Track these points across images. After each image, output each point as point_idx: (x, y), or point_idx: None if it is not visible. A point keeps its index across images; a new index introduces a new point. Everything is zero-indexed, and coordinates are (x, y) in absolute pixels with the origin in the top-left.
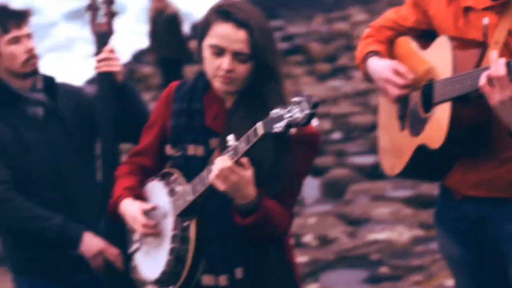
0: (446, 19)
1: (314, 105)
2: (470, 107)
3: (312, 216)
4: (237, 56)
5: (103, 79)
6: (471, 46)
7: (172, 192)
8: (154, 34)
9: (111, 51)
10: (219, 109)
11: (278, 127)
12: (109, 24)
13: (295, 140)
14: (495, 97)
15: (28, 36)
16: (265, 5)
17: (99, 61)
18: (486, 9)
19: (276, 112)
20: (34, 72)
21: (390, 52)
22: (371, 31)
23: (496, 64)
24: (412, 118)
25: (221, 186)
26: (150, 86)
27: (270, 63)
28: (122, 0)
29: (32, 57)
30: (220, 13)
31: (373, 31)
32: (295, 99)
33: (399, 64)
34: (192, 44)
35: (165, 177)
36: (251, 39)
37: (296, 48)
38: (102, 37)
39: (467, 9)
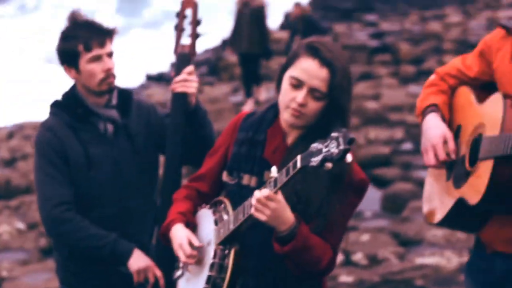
0: (506, 74)
1: (349, 141)
2: (510, 166)
3: (367, 232)
4: (313, 92)
5: (177, 99)
6: None
7: (218, 221)
8: (236, 27)
9: (190, 73)
10: (280, 143)
11: (315, 161)
12: (192, 46)
13: (346, 183)
14: None
15: (109, 54)
16: None
17: (177, 82)
18: None
19: (315, 146)
20: (110, 90)
21: (450, 101)
22: (435, 78)
23: None
24: (457, 170)
25: (260, 216)
26: (233, 76)
27: (343, 105)
28: None
29: (109, 76)
30: (309, 49)
31: (437, 79)
32: (333, 134)
33: (451, 138)
34: (280, 34)
35: (215, 205)
36: (331, 79)
37: (385, 47)
38: (184, 58)
39: None
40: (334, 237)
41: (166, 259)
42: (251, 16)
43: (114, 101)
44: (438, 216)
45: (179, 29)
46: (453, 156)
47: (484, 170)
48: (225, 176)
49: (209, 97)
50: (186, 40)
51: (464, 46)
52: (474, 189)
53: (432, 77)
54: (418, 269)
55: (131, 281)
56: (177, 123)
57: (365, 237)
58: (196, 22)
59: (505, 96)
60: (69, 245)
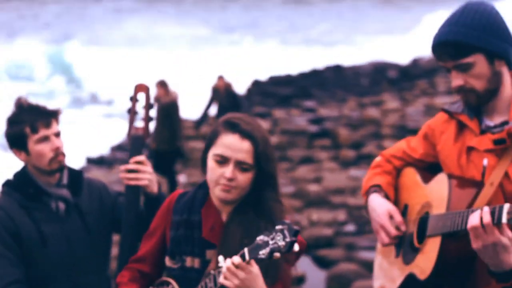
0: (450, 155)
1: (295, 233)
2: (458, 242)
3: None
4: (240, 165)
5: (130, 191)
6: (468, 185)
7: None
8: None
9: (141, 162)
10: (215, 220)
11: (263, 254)
12: (146, 128)
13: None
14: (478, 241)
15: (56, 134)
16: (299, 84)
17: (128, 171)
18: (487, 151)
19: (261, 239)
20: (61, 168)
21: (396, 181)
22: (381, 160)
23: (478, 214)
24: (406, 247)
25: (228, 284)
26: None
27: (271, 172)
28: None
29: (58, 154)
30: (227, 125)
31: (383, 160)
32: (278, 226)
33: (395, 211)
34: None
35: (161, 285)
36: (255, 149)
37: (325, 132)
38: (138, 140)
39: (470, 149)
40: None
41: None
42: (162, 112)
43: (65, 180)
44: None
45: (132, 112)
46: (402, 228)
47: (432, 246)
48: (167, 261)
49: None
50: (138, 123)
51: (402, 131)
52: (423, 265)
53: (378, 159)
54: None
55: None
56: (130, 214)
57: None
58: (148, 106)
59: (450, 176)
60: None
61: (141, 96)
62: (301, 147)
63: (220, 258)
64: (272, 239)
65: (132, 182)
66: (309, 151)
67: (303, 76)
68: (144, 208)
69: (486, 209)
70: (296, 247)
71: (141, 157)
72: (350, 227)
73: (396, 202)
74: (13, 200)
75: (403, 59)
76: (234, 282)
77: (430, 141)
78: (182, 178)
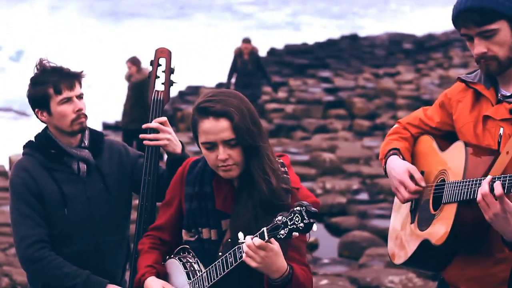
0: (466, 124)
1: (313, 215)
2: (474, 209)
3: (325, 278)
4: (227, 143)
5: (149, 152)
6: (484, 153)
7: (190, 275)
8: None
9: (163, 122)
10: (227, 191)
11: (282, 234)
12: (166, 92)
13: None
14: (489, 211)
15: (79, 96)
16: (315, 55)
17: (149, 131)
18: (503, 120)
19: (279, 219)
20: (82, 130)
21: (412, 148)
22: (397, 127)
23: (487, 185)
24: (421, 213)
25: (251, 263)
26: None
27: (251, 143)
28: None
29: (80, 116)
30: (200, 112)
31: (400, 127)
32: (296, 208)
33: (415, 170)
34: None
35: (183, 258)
36: (231, 124)
37: (340, 102)
38: (158, 103)
39: (486, 118)
40: (302, 255)
41: None
42: (133, 90)
43: (86, 142)
44: (403, 257)
45: (153, 77)
46: (422, 184)
47: (448, 213)
48: (184, 235)
49: None
50: (160, 87)
51: (416, 102)
52: (439, 231)
53: (395, 126)
54: None
55: None
56: (151, 172)
57: (323, 282)
58: (170, 70)
59: (467, 144)
60: (42, 283)
61: (162, 61)
62: (316, 116)
63: (240, 234)
64: (291, 220)
65: (152, 143)
66: (324, 120)
67: (318, 46)
68: (166, 168)
69: (487, 179)
70: (315, 227)
71: (163, 118)
72: (364, 196)
73: None
74: (36, 161)
75: (419, 31)
76: (256, 260)
77: (446, 109)
78: (196, 147)
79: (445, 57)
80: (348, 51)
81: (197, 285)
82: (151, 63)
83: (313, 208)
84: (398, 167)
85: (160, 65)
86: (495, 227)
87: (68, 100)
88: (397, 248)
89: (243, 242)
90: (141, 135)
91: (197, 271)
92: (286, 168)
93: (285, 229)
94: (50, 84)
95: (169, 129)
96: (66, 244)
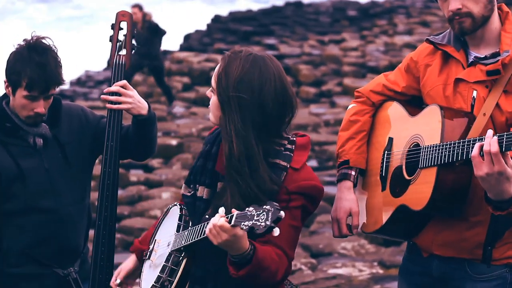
0: (435, 87)
1: (276, 220)
2: (454, 173)
3: None
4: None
5: (111, 116)
6: (459, 115)
7: (180, 227)
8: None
9: (124, 86)
10: None
11: (244, 225)
12: (128, 56)
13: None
14: (483, 168)
15: (47, 97)
16: (259, 22)
17: (110, 94)
18: (477, 82)
19: (250, 210)
20: (33, 125)
21: (374, 119)
22: (357, 106)
23: (490, 140)
24: (393, 180)
25: (213, 239)
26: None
27: (224, 101)
28: None
29: (36, 116)
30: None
31: (359, 103)
32: (267, 206)
33: (356, 214)
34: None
35: (185, 210)
36: (218, 72)
37: (285, 69)
38: (119, 67)
39: (458, 80)
40: (284, 239)
41: (105, 260)
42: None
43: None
44: (376, 225)
45: (114, 41)
46: (354, 231)
47: (427, 178)
48: (183, 189)
49: None
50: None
51: (362, 69)
52: (418, 196)
53: (354, 105)
54: (331, 279)
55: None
56: (113, 137)
57: None
58: (131, 34)
59: (441, 108)
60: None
61: (124, 25)
62: None
63: (221, 209)
64: (258, 215)
65: (115, 106)
66: None
67: (263, 13)
68: (132, 130)
69: (494, 138)
70: (276, 233)
71: (123, 82)
72: (313, 163)
73: (377, 136)
74: None
75: None
76: (217, 240)
77: (412, 73)
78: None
79: (389, 24)
80: (292, 18)
81: (177, 240)
82: (112, 26)
83: (281, 213)
84: (343, 201)
85: (122, 28)
86: (483, 185)
87: (33, 98)
88: (369, 217)
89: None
90: (103, 96)
91: (184, 231)
92: (293, 146)
93: (249, 222)
94: (26, 77)
95: (131, 92)
96: (27, 215)
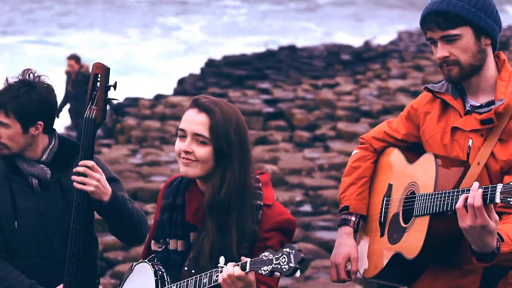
0: (434, 135)
1: (300, 261)
2: (447, 222)
3: None
4: (196, 137)
5: (78, 193)
6: (455, 164)
7: (159, 284)
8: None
9: (91, 167)
10: (200, 204)
11: (264, 270)
12: (100, 111)
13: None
14: (466, 221)
15: (1, 123)
16: (253, 66)
17: (77, 174)
18: (472, 131)
19: (266, 255)
20: (7, 155)
21: (376, 165)
22: (360, 152)
23: (474, 193)
24: (391, 226)
25: None
26: (130, 139)
27: (225, 150)
28: None
29: None
30: (192, 102)
31: (362, 149)
32: (286, 249)
33: (355, 259)
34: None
35: (156, 265)
36: (210, 122)
37: (279, 113)
38: (90, 123)
39: (455, 129)
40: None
41: None
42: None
43: (45, 156)
44: (375, 271)
45: (88, 93)
46: (353, 277)
47: (420, 226)
48: (153, 245)
49: (108, 158)
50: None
51: (356, 113)
52: (411, 244)
53: (356, 151)
54: None
55: None
56: (79, 214)
57: None
58: (105, 88)
59: (436, 156)
60: None
61: (98, 77)
62: (257, 128)
63: (222, 258)
64: (277, 259)
65: (79, 186)
66: (265, 132)
67: (257, 57)
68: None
69: (479, 191)
70: (298, 274)
71: (90, 162)
72: (307, 207)
73: (378, 182)
74: (0, 169)
75: (356, 42)
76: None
77: (413, 121)
78: (136, 159)
79: (383, 68)
80: (286, 62)
81: None
82: (88, 78)
83: (302, 254)
84: (342, 246)
85: (98, 80)
86: (467, 237)
87: None
88: (368, 263)
89: (223, 267)
90: (72, 177)
91: (165, 282)
92: (260, 184)
93: (269, 267)
94: None
95: (97, 174)
96: (16, 257)
